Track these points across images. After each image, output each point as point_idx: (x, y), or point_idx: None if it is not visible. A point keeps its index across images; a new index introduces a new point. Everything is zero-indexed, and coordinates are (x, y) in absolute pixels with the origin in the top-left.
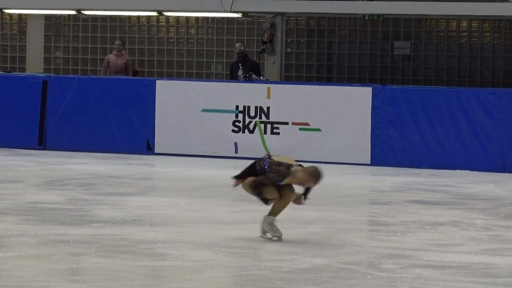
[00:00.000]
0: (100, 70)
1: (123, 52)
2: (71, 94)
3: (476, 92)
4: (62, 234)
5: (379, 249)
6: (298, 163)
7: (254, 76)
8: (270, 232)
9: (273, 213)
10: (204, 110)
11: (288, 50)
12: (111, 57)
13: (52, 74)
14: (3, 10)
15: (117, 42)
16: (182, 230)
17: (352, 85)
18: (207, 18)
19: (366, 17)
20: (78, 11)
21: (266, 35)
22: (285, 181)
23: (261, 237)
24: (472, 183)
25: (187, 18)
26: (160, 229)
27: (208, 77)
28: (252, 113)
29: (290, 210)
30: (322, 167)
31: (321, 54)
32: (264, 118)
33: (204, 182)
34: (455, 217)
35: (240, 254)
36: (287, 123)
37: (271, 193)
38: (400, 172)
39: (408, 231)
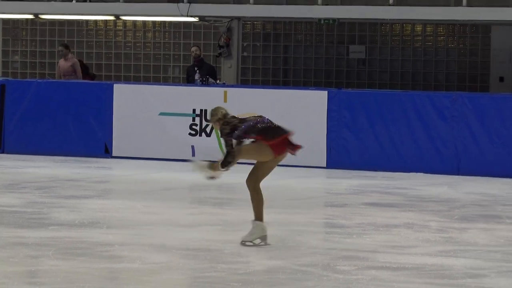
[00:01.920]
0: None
1: (69, 55)
2: (29, 97)
3: (431, 95)
4: (20, 236)
5: (334, 251)
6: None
7: (211, 80)
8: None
9: (261, 217)
10: (161, 114)
11: (245, 54)
12: (61, 61)
13: (10, 78)
14: None
15: (59, 48)
16: (139, 232)
17: (308, 89)
18: (164, 22)
19: (322, 21)
20: (36, 15)
21: (222, 39)
22: None
23: (259, 244)
24: (427, 186)
25: (144, 22)
26: (117, 231)
27: (165, 81)
28: (209, 117)
29: (247, 212)
30: (277, 170)
31: (277, 58)
32: None
33: (162, 185)
34: (410, 219)
35: (196, 256)
36: None
37: None
38: (356, 174)
39: (363, 233)
